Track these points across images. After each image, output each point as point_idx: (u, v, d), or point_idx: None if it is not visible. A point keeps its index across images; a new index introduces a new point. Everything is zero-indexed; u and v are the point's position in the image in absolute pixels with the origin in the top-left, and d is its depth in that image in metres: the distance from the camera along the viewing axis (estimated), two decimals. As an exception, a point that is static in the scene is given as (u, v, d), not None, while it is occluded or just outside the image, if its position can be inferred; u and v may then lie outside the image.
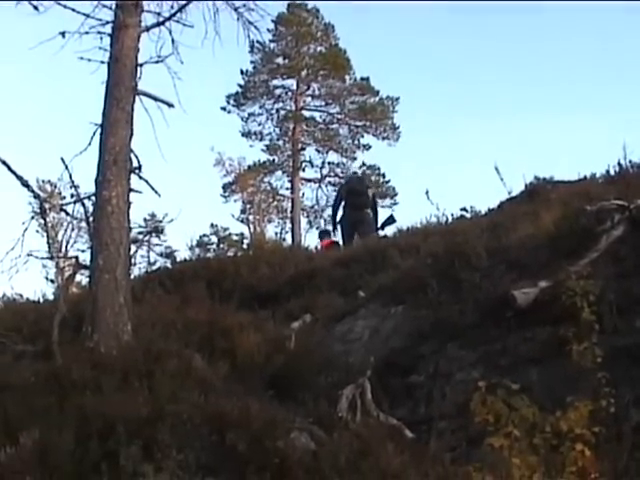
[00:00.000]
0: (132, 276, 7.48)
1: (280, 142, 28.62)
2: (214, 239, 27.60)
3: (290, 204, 27.94)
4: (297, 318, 7.22)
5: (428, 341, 6.01)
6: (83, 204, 6.75)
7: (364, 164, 28.08)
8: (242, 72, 28.24)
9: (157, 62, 6.80)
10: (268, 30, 25.72)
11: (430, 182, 32.78)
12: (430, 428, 5.20)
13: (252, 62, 28.17)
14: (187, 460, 4.42)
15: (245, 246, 19.72)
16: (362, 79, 28.30)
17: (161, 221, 23.77)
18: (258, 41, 14.94)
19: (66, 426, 4.60)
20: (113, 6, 6.67)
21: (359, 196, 11.81)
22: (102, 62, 6.58)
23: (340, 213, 12.03)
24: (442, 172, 33.24)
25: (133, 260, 8.82)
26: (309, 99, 28.78)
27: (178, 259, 14.07)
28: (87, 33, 6.64)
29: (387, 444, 4.68)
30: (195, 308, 6.93)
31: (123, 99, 6.44)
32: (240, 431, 4.60)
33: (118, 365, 5.42)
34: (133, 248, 7.61)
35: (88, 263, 6.42)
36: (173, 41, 6.83)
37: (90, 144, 6.50)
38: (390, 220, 12.18)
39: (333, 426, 4.97)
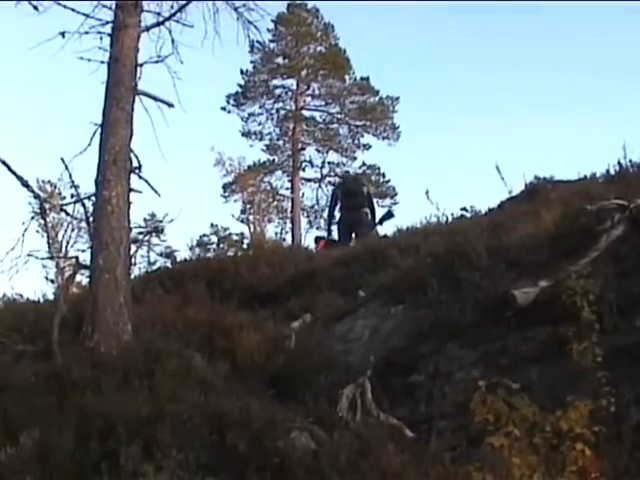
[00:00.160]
0: (132, 276, 7.47)
1: (280, 142, 28.60)
2: (214, 239, 27.57)
3: (290, 204, 27.90)
4: (297, 318, 7.21)
5: (428, 340, 6.00)
6: (83, 204, 6.76)
7: (364, 164, 28.13)
8: (242, 72, 28.23)
9: (157, 62, 6.82)
10: (268, 30, 25.76)
11: (430, 181, 32.88)
12: (430, 427, 5.20)
13: (252, 62, 28.17)
14: (187, 460, 4.41)
15: (245, 246, 19.70)
16: (362, 79, 28.26)
17: (161, 221, 23.71)
18: (258, 41, 14.89)
19: (66, 426, 4.60)
20: (113, 6, 6.69)
21: (354, 196, 11.71)
22: (102, 62, 6.60)
23: (337, 215, 11.97)
24: (442, 171, 33.25)
25: (133, 260, 8.80)
26: (309, 99, 28.76)
27: (178, 259, 14.05)
28: (87, 33, 6.67)
29: (387, 444, 4.68)
30: (195, 308, 6.93)
31: (123, 99, 6.45)
32: (240, 431, 4.60)
33: (118, 365, 5.42)
34: (133, 248, 7.59)
35: (88, 263, 6.43)
36: (173, 41, 6.86)
37: (90, 144, 6.52)
38: (388, 215, 12.16)
39: (333, 426, 4.97)
